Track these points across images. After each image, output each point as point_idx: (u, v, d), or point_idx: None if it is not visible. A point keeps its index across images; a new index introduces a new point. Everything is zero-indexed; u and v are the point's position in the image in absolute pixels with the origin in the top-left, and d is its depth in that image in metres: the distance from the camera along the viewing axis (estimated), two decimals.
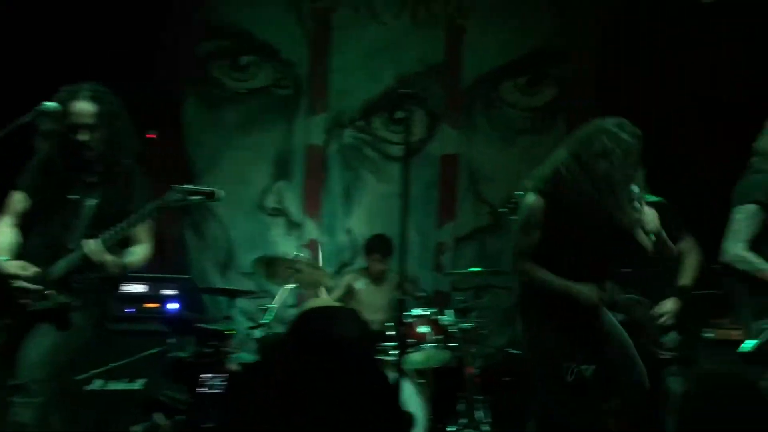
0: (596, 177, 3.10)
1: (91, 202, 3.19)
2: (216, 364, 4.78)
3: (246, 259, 6.28)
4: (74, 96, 3.18)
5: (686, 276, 4.10)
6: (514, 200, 4.93)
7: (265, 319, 4.99)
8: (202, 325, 5.17)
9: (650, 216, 3.25)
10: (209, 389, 4.64)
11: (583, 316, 3.28)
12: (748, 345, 3.30)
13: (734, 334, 4.42)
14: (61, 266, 3.11)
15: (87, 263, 3.08)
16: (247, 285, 6.02)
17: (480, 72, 6.81)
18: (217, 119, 6.45)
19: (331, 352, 0.92)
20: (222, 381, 4.64)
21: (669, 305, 3.99)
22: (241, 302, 5.77)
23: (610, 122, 3.17)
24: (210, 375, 4.67)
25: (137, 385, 4.56)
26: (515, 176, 6.76)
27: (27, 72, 5.13)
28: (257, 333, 5.04)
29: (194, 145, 6.42)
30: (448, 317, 5.01)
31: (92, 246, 3.06)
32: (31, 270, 3.08)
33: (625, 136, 3.11)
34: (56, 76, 3.37)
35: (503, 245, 6.72)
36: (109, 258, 3.09)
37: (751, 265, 3.27)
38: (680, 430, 3.27)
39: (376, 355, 4.69)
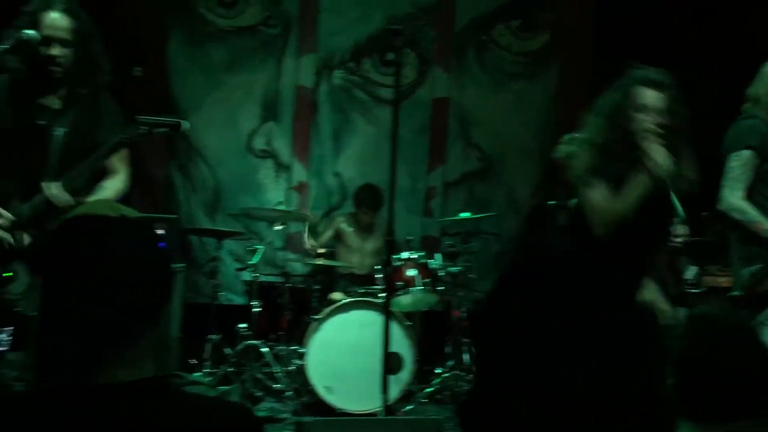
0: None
1: (59, 131, 2.97)
2: None
3: (234, 201, 6.22)
4: (48, 5, 2.92)
5: None
6: None
7: (253, 260, 4.98)
8: None
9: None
10: None
11: None
12: (739, 289, 3.31)
13: (722, 281, 4.46)
14: (26, 209, 2.93)
15: (51, 207, 2.90)
16: (235, 226, 5.98)
17: (472, 15, 6.68)
18: (203, 57, 6.27)
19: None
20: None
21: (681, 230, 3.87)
22: (229, 244, 5.72)
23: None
24: None
25: None
26: (506, 121, 6.79)
27: None
28: (245, 275, 5.13)
29: (180, 84, 6.22)
30: (436, 261, 5.03)
31: (54, 190, 2.89)
32: (6, 217, 2.89)
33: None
34: None
35: (492, 190, 6.71)
36: (72, 201, 2.90)
37: (746, 215, 3.21)
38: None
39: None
